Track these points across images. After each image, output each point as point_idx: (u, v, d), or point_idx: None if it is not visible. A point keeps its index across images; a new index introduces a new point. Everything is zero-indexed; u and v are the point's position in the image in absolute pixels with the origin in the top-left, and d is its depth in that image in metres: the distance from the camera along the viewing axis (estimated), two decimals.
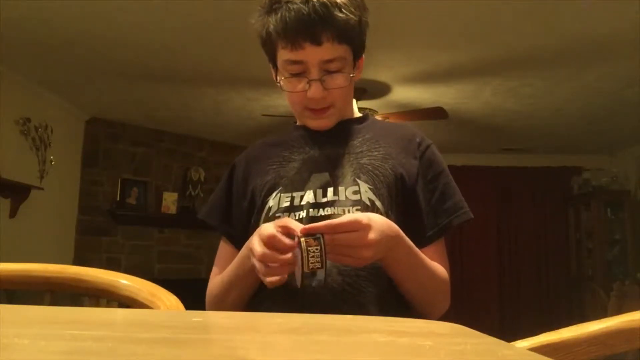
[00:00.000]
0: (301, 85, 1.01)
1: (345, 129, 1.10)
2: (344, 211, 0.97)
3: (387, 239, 0.86)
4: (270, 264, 0.83)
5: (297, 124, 1.16)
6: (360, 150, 1.05)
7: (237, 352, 0.36)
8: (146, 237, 5.19)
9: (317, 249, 0.79)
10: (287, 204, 1.01)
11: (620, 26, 2.89)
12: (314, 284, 0.91)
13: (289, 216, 1.00)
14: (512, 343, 0.53)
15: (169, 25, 3.04)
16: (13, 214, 3.86)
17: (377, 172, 1.01)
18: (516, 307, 5.80)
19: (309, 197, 1.00)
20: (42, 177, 4.13)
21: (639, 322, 0.64)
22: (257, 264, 0.84)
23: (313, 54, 0.96)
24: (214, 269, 1.12)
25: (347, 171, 1.01)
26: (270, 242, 0.83)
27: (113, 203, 4.95)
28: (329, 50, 0.96)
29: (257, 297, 1.01)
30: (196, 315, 0.58)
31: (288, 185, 1.02)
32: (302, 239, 0.79)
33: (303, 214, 0.98)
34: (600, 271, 5.31)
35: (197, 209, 5.44)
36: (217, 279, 1.08)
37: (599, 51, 3.27)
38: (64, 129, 4.47)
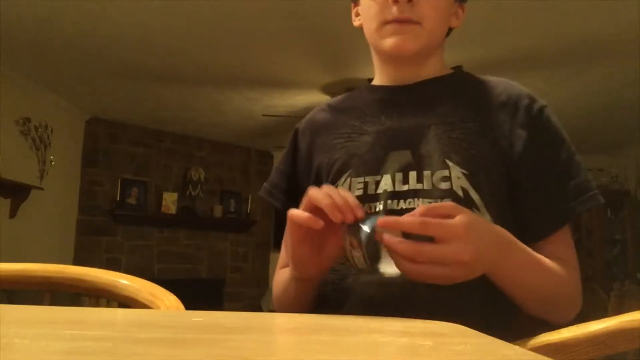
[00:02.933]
0: None
1: (431, 90, 0.89)
2: (428, 203, 0.77)
3: (490, 251, 0.67)
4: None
5: (373, 80, 0.96)
6: (451, 120, 0.83)
7: (237, 352, 0.36)
8: (146, 237, 5.19)
9: (359, 253, 0.64)
10: (360, 192, 0.82)
11: (620, 26, 2.89)
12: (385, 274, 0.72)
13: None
14: (512, 343, 0.53)
15: (169, 25, 3.04)
16: (13, 214, 3.86)
17: (474, 150, 0.80)
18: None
19: (386, 183, 0.81)
20: (42, 177, 4.13)
21: (639, 322, 0.64)
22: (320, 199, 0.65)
23: None
24: (279, 263, 0.92)
25: (434, 149, 0.80)
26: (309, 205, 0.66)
27: (113, 203, 4.96)
28: None
29: (341, 296, 0.83)
30: (196, 315, 0.58)
31: (360, 166, 0.83)
32: (347, 237, 0.64)
33: (380, 206, 0.80)
34: (600, 271, 5.31)
35: (197, 209, 5.45)
36: (279, 275, 0.89)
37: (599, 51, 3.27)
38: (64, 129, 4.47)
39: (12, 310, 0.57)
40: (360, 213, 0.64)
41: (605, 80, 3.76)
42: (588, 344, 0.65)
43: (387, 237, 0.62)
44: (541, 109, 0.84)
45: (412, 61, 0.89)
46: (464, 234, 0.62)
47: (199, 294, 4.94)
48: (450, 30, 0.93)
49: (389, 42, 0.84)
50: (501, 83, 0.92)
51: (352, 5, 0.95)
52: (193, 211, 5.40)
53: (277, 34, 3.12)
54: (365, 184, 0.82)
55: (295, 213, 0.67)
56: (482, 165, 0.79)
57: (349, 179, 0.84)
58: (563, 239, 0.81)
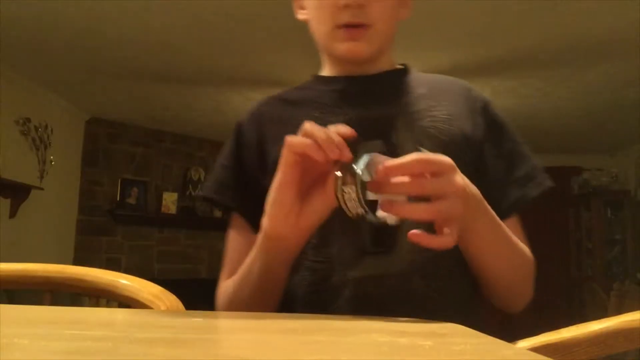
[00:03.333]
0: None
1: (391, 81, 0.87)
2: None
3: (473, 198, 0.64)
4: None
5: (320, 73, 0.93)
6: (416, 109, 0.83)
7: (237, 352, 0.36)
8: (146, 237, 5.19)
9: (352, 190, 0.57)
10: None
11: (620, 26, 2.89)
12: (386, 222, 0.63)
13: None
14: (512, 343, 0.53)
15: (169, 25, 3.04)
16: (13, 214, 3.86)
17: (444, 137, 0.80)
18: None
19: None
20: (42, 177, 4.13)
21: (639, 322, 0.64)
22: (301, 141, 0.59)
23: None
24: (224, 271, 0.85)
25: (406, 138, 0.78)
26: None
27: (113, 203, 4.95)
28: None
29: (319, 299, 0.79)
30: (196, 315, 0.58)
31: None
32: (340, 176, 0.58)
33: None
34: (600, 271, 5.31)
35: (197, 209, 5.45)
36: (228, 283, 0.80)
37: (599, 51, 3.27)
38: (64, 129, 4.47)
39: (12, 310, 0.57)
40: (349, 154, 0.58)
41: (605, 80, 3.76)
42: (588, 344, 0.65)
43: (388, 163, 0.57)
44: (489, 101, 0.88)
45: (365, 61, 0.87)
46: (452, 165, 0.61)
47: (199, 294, 4.93)
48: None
49: (342, 48, 0.82)
50: (449, 78, 0.93)
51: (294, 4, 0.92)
52: (193, 211, 5.40)
53: (277, 34, 3.12)
54: None
55: (295, 139, 0.60)
56: (452, 152, 0.76)
57: None
58: (515, 227, 0.81)
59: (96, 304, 0.89)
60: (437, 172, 0.59)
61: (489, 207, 0.69)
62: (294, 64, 3.43)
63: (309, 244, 0.77)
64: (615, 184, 5.53)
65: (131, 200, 5.05)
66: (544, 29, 3.00)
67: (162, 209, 5.21)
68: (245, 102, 4.40)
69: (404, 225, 0.74)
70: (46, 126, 4.15)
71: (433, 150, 0.69)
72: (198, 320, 0.56)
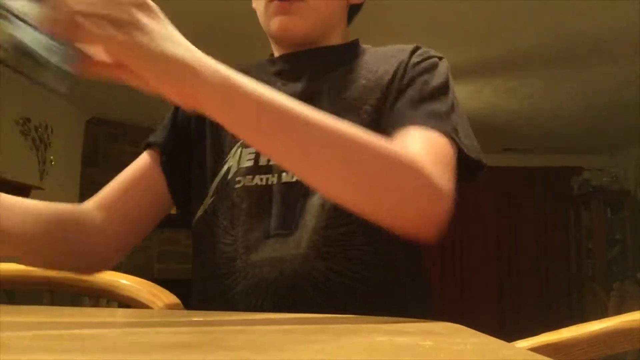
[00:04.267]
0: None
1: (325, 57, 0.82)
2: None
3: (186, 55, 0.54)
4: None
5: (273, 54, 0.88)
6: (343, 82, 0.77)
7: (237, 352, 0.36)
8: (146, 237, 5.18)
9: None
10: (251, 162, 0.75)
11: (620, 26, 2.89)
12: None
13: (253, 180, 0.74)
14: (512, 343, 0.53)
15: None
16: None
17: (367, 106, 0.74)
18: (516, 307, 5.81)
19: None
20: (42, 177, 4.13)
21: (639, 322, 0.64)
22: None
23: None
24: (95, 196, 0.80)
25: (329, 112, 0.61)
26: None
27: None
28: None
29: (201, 301, 0.77)
30: (196, 315, 0.58)
31: None
32: None
33: (274, 179, 0.73)
34: (600, 271, 5.31)
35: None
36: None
37: (599, 51, 3.27)
38: (64, 129, 4.48)
39: (12, 310, 0.57)
40: None
41: (605, 80, 3.76)
42: (588, 344, 0.65)
43: None
44: (417, 48, 0.80)
45: (305, 44, 0.81)
46: None
47: None
48: (357, 8, 0.86)
49: (275, 24, 0.76)
50: (398, 46, 0.83)
51: None
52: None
53: None
54: (257, 154, 0.75)
55: None
56: (375, 121, 0.71)
57: (239, 150, 0.77)
58: (408, 136, 0.66)
59: (96, 304, 0.89)
60: None
61: (254, 84, 0.54)
62: None
63: (219, 225, 0.76)
64: (615, 184, 5.53)
65: None
66: (544, 29, 3.00)
67: None
68: None
69: (310, 205, 0.71)
70: (46, 126, 4.15)
71: (356, 124, 0.58)
72: (198, 320, 0.56)
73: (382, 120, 0.72)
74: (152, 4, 0.51)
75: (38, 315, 0.56)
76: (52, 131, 4.21)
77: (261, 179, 0.74)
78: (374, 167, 0.57)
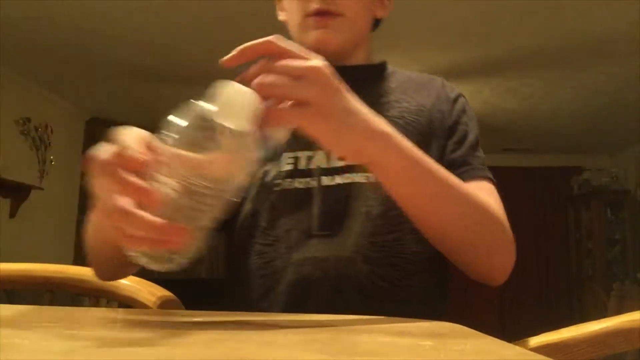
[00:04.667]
0: None
1: (364, 73, 0.86)
2: (367, 178, 0.75)
3: (369, 125, 0.56)
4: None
5: None
6: (386, 100, 0.83)
7: (237, 352, 0.36)
8: None
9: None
10: (291, 166, 0.77)
11: (620, 26, 2.89)
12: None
13: (292, 184, 0.76)
14: (512, 343, 0.53)
15: (168, 25, 3.04)
16: (13, 214, 3.86)
17: (410, 127, 0.79)
18: (516, 307, 5.81)
19: (319, 159, 0.77)
20: (42, 177, 4.13)
21: (639, 322, 0.64)
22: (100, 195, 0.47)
23: None
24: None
25: None
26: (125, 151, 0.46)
27: None
28: None
29: (240, 299, 0.78)
30: (196, 315, 0.58)
31: (291, 140, 0.67)
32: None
33: (314, 182, 0.76)
34: (600, 271, 5.31)
35: None
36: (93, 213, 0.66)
37: (599, 51, 3.27)
38: (64, 129, 4.47)
39: (12, 310, 0.57)
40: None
41: (605, 80, 3.76)
42: (588, 344, 0.65)
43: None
44: (460, 94, 0.89)
45: (338, 57, 0.82)
46: (327, 74, 0.52)
47: (199, 294, 4.94)
48: (378, 21, 0.90)
49: (312, 36, 0.80)
50: (424, 74, 0.93)
51: (277, 0, 0.93)
52: None
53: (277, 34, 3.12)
54: (296, 158, 0.77)
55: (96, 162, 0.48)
56: (416, 140, 0.74)
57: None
58: (484, 189, 0.77)
59: (96, 304, 0.89)
60: (299, 74, 0.51)
61: (408, 144, 0.60)
62: None
63: (258, 227, 0.77)
64: (615, 184, 5.53)
65: None
66: (544, 29, 3.00)
67: None
68: None
69: (354, 209, 0.74)
70: (46, 126, 4.15)
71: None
72: (198, 320, 0.56)
73: (429, 142, 0.79)
74: (335, 83, 0.53)
75: (38, 315, 0.56)
76: (52, 131, 4.21)
77: (300, 182, 0.76)
78: (482, 225, 0.67)
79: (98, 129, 4.99)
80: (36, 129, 4.04)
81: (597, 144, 5.59)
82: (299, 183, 0.76)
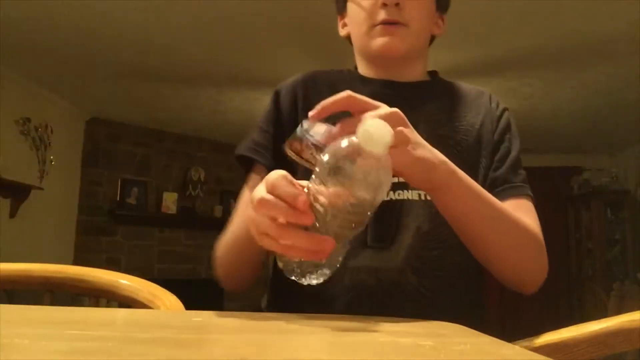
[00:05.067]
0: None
1: (419, 90, 0.93)
2: (419, 196, 0.83)
3: (435, 157, 0.65)
4: (273, 217, 0.54)
5: (357, 68, 0.98)
6: (438, 118, 0.90)
7: (237, 352, 0.36)
8: (146, 237, 5.19)
9: (307, 150, 0.59)
10: None
11: (620, 26, 2.89)
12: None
13: None
14: (512, 343, 0.53)
15: (169, 25, 3.04)
16: (13, 214, 3.86)
17: (459, 147, 0.87)
18: (516, 307, 5.81)
19: None
20: (42, 177, 4.13)
21: (639, 322, 0.64)
22: (255, 219, 0.57)
23: None
24: (235, 217, 0.87)
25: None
26: (275, 188, 0.55)
27: (113, 203, 4.95)
28: None
29: (294, 298, 0.83)
30: (196, 315, 0.58)
31: None
32: (289, 147, 0.61)
33: None
34: (600, 271, 5.31)
35: (197, 209, 5.45)
36: (224, 236, 0.86)
37: (599, 51, 3.27)
38: (64, 129, 4.47)
39: (12, 310, 0.57)
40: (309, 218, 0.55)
41: (605, 80, 3.76)
42: (588, 344, 0.65)
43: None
44: (506, 109, 0.95)
45: (400, 63, 0.93)
46: (401, 115, 0.62)
47: (199, 294, 4.93)
48: (433, 38, 1.00)
49: (378, 42, 0.89)
50: (472, 87, 1.00)
51: (339, 17, 1.01)
52: (193, 211, 5.40)
53: (277, 34, 3.12)
54: None
55: (256, 220, 0.57)
56: (465, 160, 0.81)
57: None
58: (520, 208, 0.83)
59: (96, 304, 0.89)
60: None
61: (462, 172, 0.70)
62: (293, 64, 3.43)
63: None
64: (615, 184, 5.53)
65: (131, 200, 5.05)
66: (544, 29, 3.00)
67: (162, 209, 5.21)
68: (245, 102, 4.40)
69: (405, 224, 0.82)
70: (46, 126, 4.14)
71: (448, 157, 0.73)
72: (198, 320, 0.56)
73: (476, 161, 0.88)
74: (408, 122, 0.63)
75: (38, 315, 0.56)
76: (52, 131, 4.21)
77: None
78: (521, 243, 0.77)
79: (98, 129, 5.00)
80: (36, 129, 4.04)
81: (597, 144, 5.59)
82: None
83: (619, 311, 0.68)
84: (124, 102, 4.54)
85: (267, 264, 0.91)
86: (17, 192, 3.86)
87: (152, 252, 5.22)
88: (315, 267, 0.56)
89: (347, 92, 0.62)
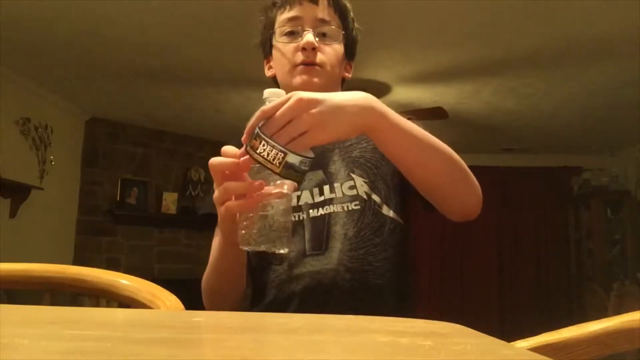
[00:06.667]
0: (295, 42, 1.05)
1: None
2: (342, 208, 0.99)
3: (346, 100, 0.77)
4: (229, 186, 0.77)
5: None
6: (349, 143, 1.06)
7: (237, 352, 0.36)
8: (146, 237, 5.19)
9: (265, 145, 0.71)
10: None
11: (620, 26, 2.89)
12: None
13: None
14: (512, 343, 0.53)
15: (169, 25, 3.04)
16: (13, 214, 3.86)
17: (370, 164, 1.03)
18: (516, 307, 5.81)
19: (306, 197, 1.02)
20: (42, 177, 4.13)
21: (639, 322, 0.64)
22: (215, 197, 0.79)
23: (309, 10, 1.04)
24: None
25: (340, 166, 1.03)
26: (220, 165, 0.79)
27: (113, 203, 4.95)
28: (324, 10, 1.04)
29: (259, 304, 1.01)
30: (196, 315, 0.58)
31: None
32: (247, 147, 0.74)
33: (303, 215, 1.00)
34: (600, 271, 5.31)
35: (197, 209, 5.44)
36: (205, 274, 1.04)
37: (599, 51, 3.27)
38: (64, 129, 4.47)
39: (12, 310, 0.57)
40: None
41: (605, 80, 3.76)
42: (588, 344, 0.65)
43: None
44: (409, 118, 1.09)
45: None
46: (301, 96, 0.73)
47: (199, 294, 4.93)
48: (343, 80, 1.14)
49: (298, 80, 1.04)
50: None
51: (265, 61, 1.16)
52: (193, 211, 5.40)
53: None
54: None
55: (215, 161, 0.81)
56: (378, 175, 1.02)
57: None
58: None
59: (96, 304, 0.89)
60: (294, 108, 0.73)
61: (393, 113, 0.83)
62: None
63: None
64: (615, 184, 5.53)
65: (131, 200, 5.05)
66: (544, 29, 3.00)
67: (162, 209, 5.21)
68: (245, 102, 4.40)
69: (335, 232, 0.99)
70: (46, 126, 4.15)
71: (362, 175, 1.01)
72: (198, 320, 0.56)
73: (392, 170, 1.01)
74: (310, 96, 0.74)
75: (38, 315, 0.56)
76: (52, 131, 4.21)
77: (294, 216, 0.98)
78: (457, 166, 0.87)
79: (98, 129, 5.00)
80: (36, 129, 4.04)
81: (597, 144, 5.59)
82: (293, 217, 0.98)
83: (619, 311, 0.68)
84: (124, 102, 4.54)
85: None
86: (17, 192, 3.86)
87: (152, 252, 5.22)
88: (265, 237, 0.72)
89: (260, 109, 0.75)
